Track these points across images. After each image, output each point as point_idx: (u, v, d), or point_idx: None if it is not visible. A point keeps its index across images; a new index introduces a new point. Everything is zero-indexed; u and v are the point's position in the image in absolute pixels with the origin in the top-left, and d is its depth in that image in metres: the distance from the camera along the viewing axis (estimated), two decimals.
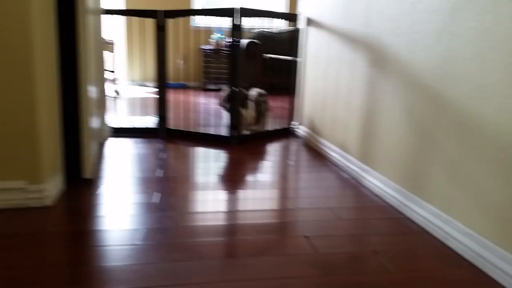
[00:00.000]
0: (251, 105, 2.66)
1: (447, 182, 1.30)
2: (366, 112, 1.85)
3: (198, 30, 6.03)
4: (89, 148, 1.78)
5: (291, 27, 2.61)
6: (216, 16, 2.41)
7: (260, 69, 5.16)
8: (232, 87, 2.48)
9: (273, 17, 2.59)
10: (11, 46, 1.38)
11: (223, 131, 2.65)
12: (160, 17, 2.60)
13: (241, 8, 2.36)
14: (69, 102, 1.73)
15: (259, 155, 2.33)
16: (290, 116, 2.95)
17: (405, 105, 1.53)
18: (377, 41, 1.74)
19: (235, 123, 2.54)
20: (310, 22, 2.60)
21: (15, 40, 1.38)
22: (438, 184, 1.35)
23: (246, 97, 2.61)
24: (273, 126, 2.95)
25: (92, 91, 1.92)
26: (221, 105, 2.66)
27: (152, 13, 2.60)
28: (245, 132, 2.67)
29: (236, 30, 2.40)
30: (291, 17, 2.75)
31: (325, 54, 2.35)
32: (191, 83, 6.06)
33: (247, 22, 5.95)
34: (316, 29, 2.48)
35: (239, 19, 2.38)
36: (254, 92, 2.75)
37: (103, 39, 2.75)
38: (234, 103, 2.52)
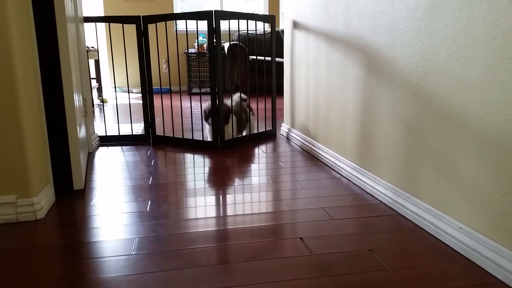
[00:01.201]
0: (233, 119, 2.61)
1: (437, 178, 1.32)
2: (354, 112, 1.87)
3: (181, 34, 6.02)
4: (78, 158, 1.76)
5: (270, 29, 2.59)
6: (194, 19, 2.40)
7: (245, 71, 5.17)
8: (213, 101, 2.43)
9: (249, 19, 2.58)
10: None
11: (210, 136, 2.64)
12: (141, 23, 2.59)
13: (215, 11, 2.35)
14: (55, 113, 1.71)
15: (247, 158, 2.33)
16: (276, 118, 2.95)
17: (391, 102, 1.55)
18: (358, 40, 1.76)
19: (220, 131, 2.51)
20: (293, 23, 2.61)
21: None
22: (428, 181, 1.37)
23: (229, 111, 2.55)
24: (260, 129, 2.95)
25: (77, 100, 1.90)
26: (205, 119, 2.60)
27: (132, 19, 2.58)
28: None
29: (213, 33, 2.39)
30: (268, 18, 2.75)
31: (309, 55, 2.36)
32: (176, 88, 6.04)
33: (231, 25, 5.96)
34: (300, 30, 2.49)
35: (215, 22, 2.37)
36: (235, 97, 2.71)
37: (86, 47, 2.73)
38: (215, 116, 2.48)
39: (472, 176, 1.17)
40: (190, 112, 2.71)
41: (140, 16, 2.58)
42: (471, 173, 1.17)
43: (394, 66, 1.52)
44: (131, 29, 5.18)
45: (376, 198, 1.66)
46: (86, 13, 2.82)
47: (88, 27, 4.75)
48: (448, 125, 1.25)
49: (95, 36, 4.83)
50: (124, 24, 2.59)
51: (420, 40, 1.36)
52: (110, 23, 2.63)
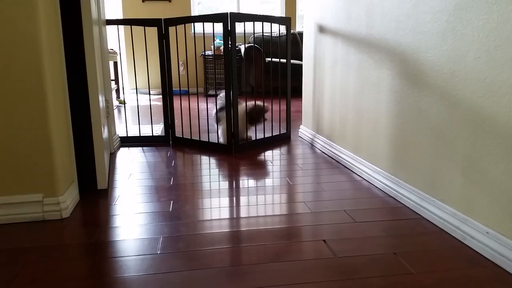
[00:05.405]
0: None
1: (463, 182, 1.30)
2: (375, 113, 1.86)
3: (198, 37, 6.06)
4: (103, 158, 1.78)
5: (285, 31, 2.58)
6: (210, 22, 2.40)
7: (261, 73, 5.19)
8: (227, 99, 2.45)
9: (265, 21, 2.57)
10: (21, 62, 1.39)
11: (223, 137, 2.63)
12: (162, 26, 2.62)
13: (231, 13, 2.35)
14: (80, 114, 1.74)
15: (265, 160, 2.33)
16: (290, 120, 2.93)
17: (415, 105, 1.54)
18: (382, 43, 1.75)
19: (233, 132, 2.52)
20: (315, 25, 2.61)
21: (24, 55, 1.39)
22: (454, 184, 1.35)
23: (263, 111, 2.60)
24: (274, 131, 2.94)
25: (101, 101, 1.93)
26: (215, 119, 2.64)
27: (154, 22, 2.61)
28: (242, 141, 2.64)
29: (229, 35, 2.38)
30: (283, 20, 2.73)
31: (331, 58, 2.36)
32: (193, 90, 6.08)
33: (247, 28, 5.98)
34: (322, 32, 2.49)
35: (231, 24, 2.36)
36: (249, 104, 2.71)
37: (107, 49, 2.77)
38: (229, 114, 2.49)
39: (501, 180, 1.15)
40: (206, 114, 2.73)
41: (161, 19, 2.61)
42: (500, 177, 1.16)
43: (419, 68, 1.51)
44: (148, 31, 5.24)
45: (399, 202, 1.65)
46: (106, 15, 2.86)
47: (108, 29, 4.82)
48: (475, 128, 1.24)
49: (113, 38, 4.89)
50: (139, 26, 2.63)
51: (446, 43, 1.35)
52: (129, 26, 2.66)
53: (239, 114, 2.57)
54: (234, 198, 1.72)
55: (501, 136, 1.14)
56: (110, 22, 2.59)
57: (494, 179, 1.18)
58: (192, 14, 6.06)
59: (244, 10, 6.36)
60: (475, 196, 1.26)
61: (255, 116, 2.61)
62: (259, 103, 2.68)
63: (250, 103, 2.65)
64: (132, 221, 1.49)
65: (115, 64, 5.03)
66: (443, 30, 1.36)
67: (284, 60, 2.74)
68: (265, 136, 2.75)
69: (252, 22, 2.54)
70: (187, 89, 5.61)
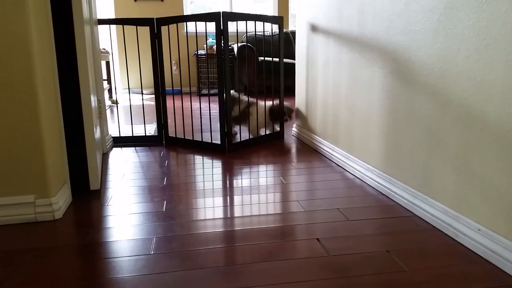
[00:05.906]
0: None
1: (455, 179, 1.32)
2: (367, 111, 1.87)
3: (191, 36, 6.04)
4: (95, 159, 1.78)
5: (278, 30, 2.58)
6: (203, 21, 2.39)
7: (254, 72, 5.18)
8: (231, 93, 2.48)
9: (258, 21, 2.57)
10: (12, 63, 1.38)
11: (221, 138, 2.65)
12: (154, 26, 2.61)
13: (223, 12, 2.34)
14: (72, 114, 1.73)
15: (258, 159, 2.34)
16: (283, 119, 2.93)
17: (407, 103, 1.55)
18: (374, 42, 1.76)
19: (227, 131, 2.52)
20: (307, 25, 2.62)
21: (15, 56, 1.38)
22: (445, 182, 1.36)
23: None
24: (267, 130, 2.94)
25: (93, 101, 1.92)
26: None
27: (146, 22, 2.60)
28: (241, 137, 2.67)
29: (221, 34, 2.37)
30: (276, 20, 2.72)
31: (322, 56, 2.36)
32: (186, 89, 6.06)
33: (240, 27, 5.98)
34: (314, 32, 2.50)
35: (223, 23, 2.35)
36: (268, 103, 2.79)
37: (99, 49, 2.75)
38: (225, 110, 2.50)
39: (492, 177, 1.16)
40: (200, 113, 2.72)
41: (154, 18, 2.60)
42: (491, 174, 1.17)
43: (410, 67, 1.52)
44: (140, 30, 5.22)
45: (392, 199, 1.66)
46: (97, 15, 2.85)
47: (99, 28, 4.78)
48: (466, 126, 1.25)
49: (106, 37, 4.87)
50: (131, 26, 2.61)
51: (437, 42, 1.36)
52: (121, 25, 2.65)
53: (259, 111, 2.75)
54: (228, 197, 1.73)
55: (492, 134, 1.15)
56: (102, 21, 2.57)
57: (485, 176, 1.19)
58: (185, 13, 6.04)
59: (237, 9, 6.36)
60: (466, 193, 1.27)
61: (276, 114, 2.78)
62: (286, 103, 2.87)
63: (271, 102, 2.81)
64: (125, 221, 1.49)
65: (107, 63, 5.01)
66: (434, 29, 1.37)
67: (277, 59, 2.74)
68: (259, 135, 2.75)
69: (245, 21, 2.53)
70: (180, 88, 5.59)
